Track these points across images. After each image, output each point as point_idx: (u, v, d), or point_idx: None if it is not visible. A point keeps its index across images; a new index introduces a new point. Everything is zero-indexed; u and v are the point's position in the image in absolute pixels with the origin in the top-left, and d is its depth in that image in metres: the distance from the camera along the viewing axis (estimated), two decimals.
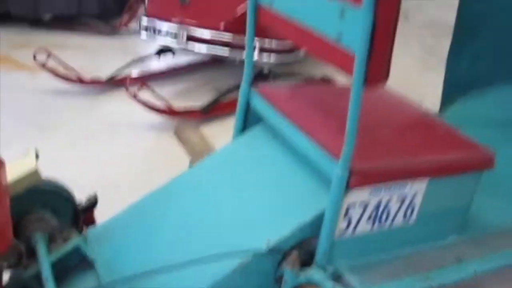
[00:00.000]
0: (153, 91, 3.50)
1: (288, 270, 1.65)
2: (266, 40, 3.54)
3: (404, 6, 5.35)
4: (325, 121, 1.81)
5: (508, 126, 2.61)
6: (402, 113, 2.08)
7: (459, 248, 1.98)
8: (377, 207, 1.71)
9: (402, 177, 1.69)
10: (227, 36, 3.69)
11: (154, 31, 3.88)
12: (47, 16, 5.42)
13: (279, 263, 1.69)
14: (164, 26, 3.84)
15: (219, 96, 3.71)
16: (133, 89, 3.44)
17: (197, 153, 2.93)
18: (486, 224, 2.12)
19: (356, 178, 1.58)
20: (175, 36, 3.81)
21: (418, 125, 2.00)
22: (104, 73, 4.20)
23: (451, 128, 2.01)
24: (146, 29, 3.93)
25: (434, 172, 1.75)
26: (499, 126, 2.63)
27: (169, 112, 3.57)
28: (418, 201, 1.78)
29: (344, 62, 1.49)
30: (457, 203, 1.93)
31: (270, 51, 3.62)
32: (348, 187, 1.58)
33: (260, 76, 3.90)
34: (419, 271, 1.77)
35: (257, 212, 1.78)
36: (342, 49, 1.50)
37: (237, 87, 3.50)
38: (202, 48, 3.84)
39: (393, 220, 1.78)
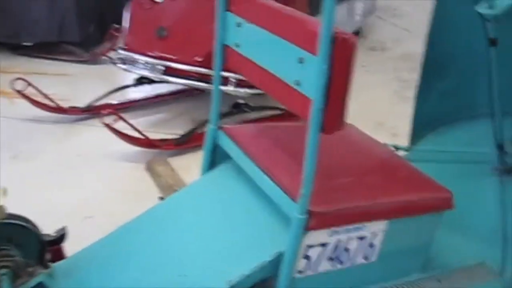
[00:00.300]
0: (128, 122, 3.53)
1: None
2: None
3: (381, 38, 5.47)
4: (287, 161, 1.85)
5: (474, 162, 2.67)
6: (364, 152, 2.12)
7: (422, 286, 2.02)
8: (337, 247, 1.74)
9: (360, 220, 1.73)
10: (204, 70, 3.73)
11: (132, 63, 3.91)
12: (28, 43, 5.45)
13: None
14: (141, 58, 3.88)
15: (194, 127, 3.75)
16: (109, 119, 3.47)
17: (167, 188, 2.96)
18: (449, 261, 2.15)
19: (314, 221, 1.62)
20: (152, 68, 3.85)
21: (380, 165, 2.04)
22: (83, 101, 4.23)
23: (412, 168, 2.05)
24: (124, 61, 3.96)
25: (392, 214, 1.80)
26: (466, 162, 2.68)
27: (144, 142, 3.60)
28: (378, 241, 1.82)
29: (302, 108, 1.53)
30: (419, 241, 1.97)
31: (246, 85, 3.66)
32: (307, 229, 1.62)
33: (236, 107, 3.96)
34: None
35: (220, 250, 1.80)
36: (300, 95, 1.54)
37: None
38: (178, 81, 3.89)
39: (353, 259, 1.81)
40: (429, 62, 2.78)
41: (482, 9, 2.19)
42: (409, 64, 5.26)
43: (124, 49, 3.98)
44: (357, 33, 6.31)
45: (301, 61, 1.53)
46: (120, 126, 3.53)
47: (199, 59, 3.73)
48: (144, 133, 3.64)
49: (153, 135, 3.74)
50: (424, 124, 2.93)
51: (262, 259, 1.69)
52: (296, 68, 1.55)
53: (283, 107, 4.05)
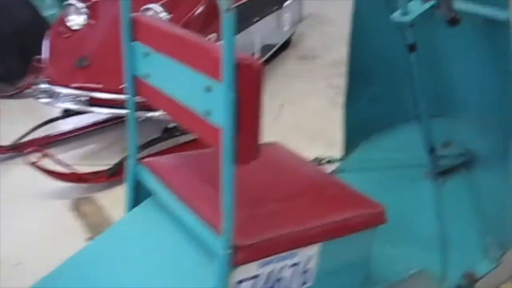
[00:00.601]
0: (55, 157, 3.38)
1: None
2: None
3: (311, 46, 5.43)
4: (210, 192, 1.76)
5: (408, 167, 2.65)
6: (290, 173, 2.05)
7: None
8: (269, 278, 1.66)
9: (290, 247, 1.66)
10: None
11: (54, 95, 3.75)
12: None
13: None
14: (64, 90, 3.72)
15: (126, 157, 3.62)
16: (34, 156, 3.31)
17: (95, 227, 2.84)
18: (390, 272, 2.12)
19: (241, 255, 1.54)
20: (76, 100, 3.70)
21: (308, 186, 1.98)
22: (9, 138, 4.03)
23: (342, 185, 2.00)
24: (47, 94, 3.79)
25: (323, 237, 1.73)
26: (399, 168, 2.67)
27: (74, 177, 3.45)
28: (312, 265, 1.75)
29: (214, 138, 1.45)
30: (355, 258, 1.92)
31: None
32: (233, 264, 1.54)
33: (166, 132, 3.85)
34: None
35: None
36: (211, 126, 1.47)
37: (144, 145, 3.42)
38: (103, 110, 3.75)
39: (289, 287, 1.74)
40: (354, 70, 2.77)
41: (397, 18, 2.17)
42: (341, 70, 5.21)
43: (46, 82, 3.81)
44: (287, 43, 6.30)
45: (208, 89, 1.46)
46: (49, 162, 3.37)
47: (122, 86, 3.60)
48: (75, 166, 3.49)
49: (84, 168, 3.59)
50: (356, 132, 2.90)
51: None
52: (204, 97, 1.48)
53: None
